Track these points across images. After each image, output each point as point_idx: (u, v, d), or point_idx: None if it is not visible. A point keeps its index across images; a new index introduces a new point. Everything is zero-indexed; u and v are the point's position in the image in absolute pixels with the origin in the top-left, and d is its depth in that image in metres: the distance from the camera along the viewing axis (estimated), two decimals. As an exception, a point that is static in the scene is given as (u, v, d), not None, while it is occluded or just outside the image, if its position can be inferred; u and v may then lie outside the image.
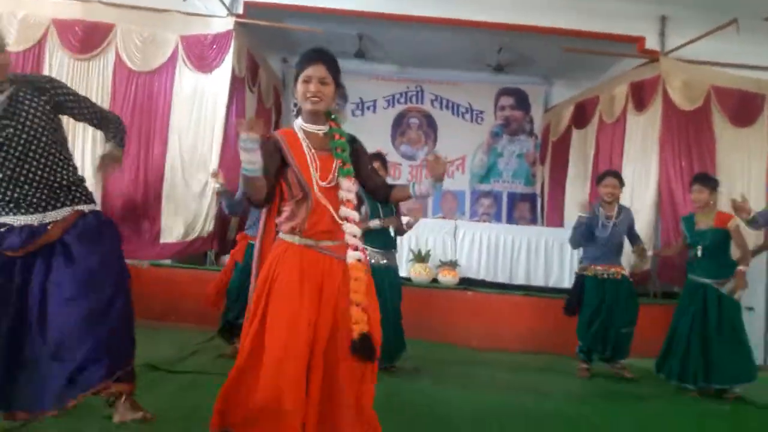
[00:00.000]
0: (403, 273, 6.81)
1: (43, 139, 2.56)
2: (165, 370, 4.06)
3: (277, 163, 2.41)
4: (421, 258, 7.12)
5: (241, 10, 7.43)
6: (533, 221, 9.87)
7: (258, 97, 8.43)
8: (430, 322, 6.33)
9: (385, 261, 4.64)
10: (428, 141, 10.19)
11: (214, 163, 6.79)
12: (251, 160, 2.20)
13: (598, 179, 5.45)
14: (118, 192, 6.88)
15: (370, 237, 4.53)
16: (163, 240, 6.81)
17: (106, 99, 6.97)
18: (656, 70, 7.10)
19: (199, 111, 7.05)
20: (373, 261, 4.50)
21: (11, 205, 2.57)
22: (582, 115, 8.81)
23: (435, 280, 7.05)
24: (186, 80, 7.10)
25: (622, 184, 5.28)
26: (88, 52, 7.01)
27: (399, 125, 10.14)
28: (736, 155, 6.93)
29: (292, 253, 2.41)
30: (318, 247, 2.42)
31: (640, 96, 7.34)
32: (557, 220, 9.01)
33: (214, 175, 5.44)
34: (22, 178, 2.54)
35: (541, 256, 7.39)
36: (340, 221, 2.41)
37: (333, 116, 2.51)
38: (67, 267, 2.57)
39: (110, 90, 7.02)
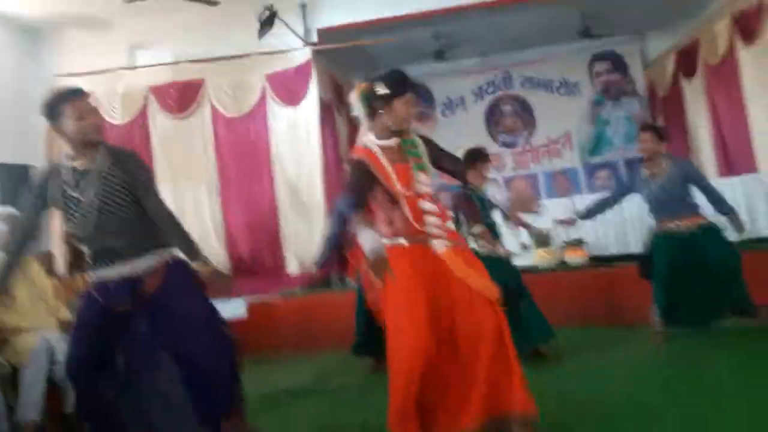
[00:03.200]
0: (527, 261, 6.60)
1: (124, 200, 2.70)
2: (304, 395, 4.17)
3: (370, 182, 2.63)
4: (543, 242, 6.83)
5: (315, 38, 7.61)
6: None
7: (347, 118, 8.55)
8: (563, 306, 6.00)
9: (487, 250, 4.43)
10: (526, 125, 9.87)
11: (318, 188, 6.93)
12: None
13: (636, 136, 4.94)
14: (238, 236, 7.20)
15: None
16: (287, 271, 7.02)
17: (210, 149, 7.35)
18: (760, -8, 6.47)
19: (296, 142, 7.25)
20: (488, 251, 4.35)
21: (104, 256, 2.70)
22: (688, 62, 8.21)
23: (563, 263, 6.73)
24: (278, 115, 7.35)
25: (660, 137, 4.70)
26: (185, 109, 7.42)
27: (492, 115, 9.92)
28: None
29: (401, 255, 2.58)
30: (424, 243, 2.60)
31: (746, 26, 6.69)
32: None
33: None
34: (110, 232, 2.68)
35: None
36: (423, 215, 2.60)
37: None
38: (169, 316, 2.68)
39: (212, 140, 7.39)
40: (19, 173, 6.86)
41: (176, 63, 7.53)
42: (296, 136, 7.25)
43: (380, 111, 2.62)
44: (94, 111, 2.80)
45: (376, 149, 2.64)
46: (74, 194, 2.66)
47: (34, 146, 7.55)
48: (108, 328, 2.67)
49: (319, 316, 6.27)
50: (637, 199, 6.51)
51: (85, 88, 7.58)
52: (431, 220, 2.59)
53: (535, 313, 4.41)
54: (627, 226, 6.96)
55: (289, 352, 5.96)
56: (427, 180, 2.64)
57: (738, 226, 4.59)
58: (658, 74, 9.14)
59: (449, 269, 2.54)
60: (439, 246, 2.58)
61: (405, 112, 2.62)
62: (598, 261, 6.67)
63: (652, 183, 4.65)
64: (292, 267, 7.06)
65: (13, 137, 7.53)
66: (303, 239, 7.02)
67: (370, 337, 4.47)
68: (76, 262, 5.49)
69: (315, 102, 7.26)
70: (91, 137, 2.70)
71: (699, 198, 4.69)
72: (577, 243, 6.80)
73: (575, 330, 5.43)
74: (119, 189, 2.69)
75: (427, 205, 2.60)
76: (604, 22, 8.61)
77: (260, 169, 7.32)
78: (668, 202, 4.62)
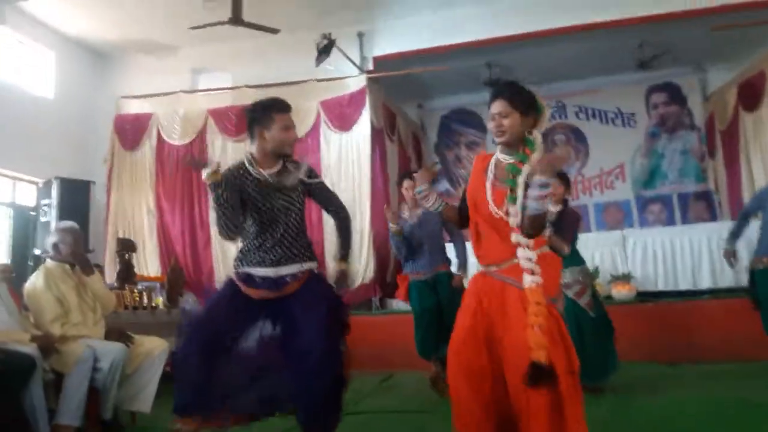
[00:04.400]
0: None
1: (296, 210, 2.92)
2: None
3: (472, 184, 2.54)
4: (592, 276, 6.69)
5: (371, 66, 7.79)
6: (713, 219, 8.95)
7: (398, 145, 8.66)
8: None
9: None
10: (579, 155, 9.76)
11: (366, 213, 7.04)
12: (429, 204, 2.53)
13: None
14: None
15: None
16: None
17: (263, 172, 7.54)
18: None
19: (347, 167, 7.40)
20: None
21: (258, 258, 2.87)
22: (750, 95, 7.97)
23: (609, 297, 6.60)
24: (331, 141, 7.54)
25: None
26: (243, 133, 7.66)
27: (544, 144, 9.79)
28: None
29: (474, 281, 2.51)
30: (491, 273, 2.44)
31: (813, 58, 6.50)
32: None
33: (392, 215, 4.91)
34: (278, 238, 2.87)
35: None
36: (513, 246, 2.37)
37: (528, 143, 2.43)
38: (291, 327, 2.82)
39: (266, 163, 7.59)
40: (78, 188, 7.21)
41: (235, 88, 7.83)
42: (347, 161, 7.42)
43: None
44: (294, 127, 2.98)
45: (492, 161, 2.50)
46: (258, 196, 2.84)
47: (93, 163, 8.01)
48: (238, 311, 2.81)
49: (358, 338, 6.31)
50: (689, 234, 6.39)
51: (148, 109, 8.12)
52: (524, 253, 2.32)
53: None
54: (677, 260, 6.80)
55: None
56: (515, 212, 2.35)
57: None
58: (718, 106, 8.92)
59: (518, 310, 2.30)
60: (528, 282, 2.29)
61: (490, 126, 2.49)
62: (646, 296, 6.53)
63: None
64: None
65: (76, 153, 8.00)
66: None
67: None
68: (125, 274, 5.78)
69: (367, 128, 7.41)
70: (287, 150, 2.90)
71: None
72: (625, 277, 6.67)
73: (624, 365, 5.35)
74: (297, 201, 2.90)
75: (521, 239, 2.33)
76: (663, 51, 8.45)
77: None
78: None
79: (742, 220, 4.92)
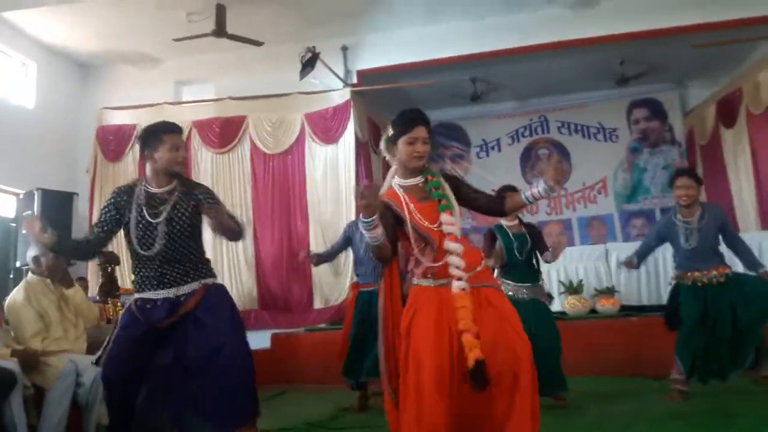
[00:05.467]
0: (556, 307, 6.52)
1: (189, 229, 2.97)
2: (322, 427, 4.20)
3: (392, 223, 2.58)
4: (573, 289, 6.74)
5: (355, 80, 7.80)
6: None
7: (382, 158, 8.65)
8: (592, 355, 5.90)
9: (527, 294, 4.42)
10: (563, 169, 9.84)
11: (352, 226, 7.01)
12: (373, 236, 2.45)
13: (669, 181, 4.84)
14: (268, 270, 7.33)
15: (511, 272, 4.43)
16: (316, 306, 7.09)
17: (248, 184, 7.55)
18: (803, 44, 6.43)
19: (332, 179, 7.40)
20: (513, 293, 4.33)
21: (154, 281, 2.92)
22: (728, 112, 8.12)
23: (593, 311, 6.63)
24: (315, 153, 7.52)
25: (699, 183, 4.57)
26: (226, 145, 7.65)
27: (527, 159, 9.92)
28: None
29: (427, 295, 2.53)
30: (448, 284, 2.50)
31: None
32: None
33: (303, 258, 5.44)
34: (169, 258, 2.92)
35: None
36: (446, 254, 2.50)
37: (426, 167, 2.66)
38: (199, 332, 2.88)
39: (250, 176, 7.59)
40: (60, 199, 7.10)
41: (219, 99, 7.80)
42: (332, 174, 7.40)
43: (394, 152, 2.64)
44: (184, 147, 3.09)
45: (399, 190, 2.62)
46: (148, 218, 2.89)
47: (76, 174, 7.91)
48: (146, 343, 2.89)
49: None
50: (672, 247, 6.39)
51: (131, 120, 8.03)
52: (454, 260, 2.48)
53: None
54: (660, 274, 6.84)
55: (312, 385, 6.01)
56: (451, 219, 2.54)
57: (758, 268, 4.43)
58: (697, 122, 9.06)
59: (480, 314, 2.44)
60: (455, 287, 2.46)
61: (407, 152, 2.57)
62: (630, 310, 6.56)
63: (686, 230, 4.49)
64: (320, 303, 7.12)
65: (58, 164, 7.90)
66: (332, 279, 7.09)
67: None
68: (108, 287, 5.69)
69: (352, 141, 7.41)
70: (176, 168, 2.98)
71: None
72: (609, 291, 6.71)
73: (602, 379, 5.36)
74: (187, 219, 2.94)
75: (451, 245, 2.50)
76: (644, 67, 8.59)
77: (295, 206, 7.47)
78: (700, 251, 4.47)
79: (646, 249, 4.89)
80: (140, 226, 2.89)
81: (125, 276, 6.75)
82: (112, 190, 3.04)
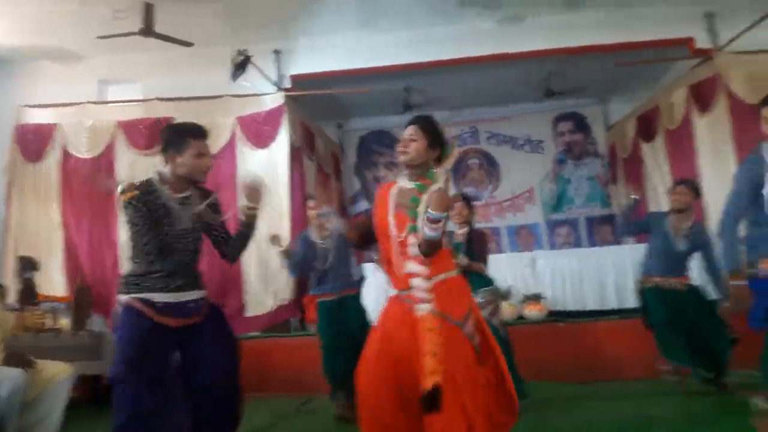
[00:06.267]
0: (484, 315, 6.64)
1: (200, 235, 3.00)
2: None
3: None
4: (502, 296, 6.88)
5: (289, 84, 7.71)
6: (617, 242, 9.44)
7: (317, 165, 8.61)
8: (522, 360, 6.02)
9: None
10: (491, 179, 10.08)
11: (285, 230, 6.89)
12: (333, 225, 2.45)
13: (669, 189, 5.12)
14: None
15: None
16: (247, 314, 6.92)
17: (175, 188, 7.26)
18: (713, 67, 6.84)
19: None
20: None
21: (159, 285, 2.81)
22: (647, 127, 8.53)
23: (521, 317, 6.79)
24: (248, 158, 7.35)
25: (696, 194, 4.87)
26: (152, 147, 7.35)
27: (458, 168, 10.10)
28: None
29: (386, 307, 2.58)
30: (402, 298, 2.50)
31: (701, 97, 7.05)
32: (644, 236, 8.58)
33: (274, 238, 5.07)
34: (183, 263, 2.89)
35: (629, 276, 6.99)
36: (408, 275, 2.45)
37: (429, 175, 2.56)
38: (212, 350, 2.91)
39: (178, 179, 7.32)
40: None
41: (146, 100, 7.53)
42: (264, 179, 7.23)
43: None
44: (209, 154, 2.97)
45: (395, 188, 2.60)
46: (165, 219, 2.78)
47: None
48: (157, 340, 2.74)
49: (277, 360, 6.20)
50: (596, 256, 6.72)
51: (52, 119, 7.63)
52: (418, 283, 2.41)
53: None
54: (584, 281, 7.10)
55: (246, 393, 5.83)
56: (414, 242, 2.44)
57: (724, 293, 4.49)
58: (619, 137, 9.47)
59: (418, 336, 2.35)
60: (422, 310, 2.37)
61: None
62: (557, 316, 6.76)
63: (671, 236, 4.73)
64: (252, 311, 6.96)
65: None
66: (265, 286, 6.94)
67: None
68: (26, 294, 5.38)
69: (285, 146, 7.29)
70: (199, 177, 2.89)
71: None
72: (536, 297, 6.90)
73: (532, 384, 5.47)
74: (198, 229, 2.94)
75: (415, 267, 2.42)
76: (570, 82, 8.92)
77: (225, 210, 7.26)
78: (674, 259, 4.74)
79: (631, 226, 5.37)
80: (161, 229, 2.77)
81: (45, 282, 6.41)
82: (130, 190, 2.75)
